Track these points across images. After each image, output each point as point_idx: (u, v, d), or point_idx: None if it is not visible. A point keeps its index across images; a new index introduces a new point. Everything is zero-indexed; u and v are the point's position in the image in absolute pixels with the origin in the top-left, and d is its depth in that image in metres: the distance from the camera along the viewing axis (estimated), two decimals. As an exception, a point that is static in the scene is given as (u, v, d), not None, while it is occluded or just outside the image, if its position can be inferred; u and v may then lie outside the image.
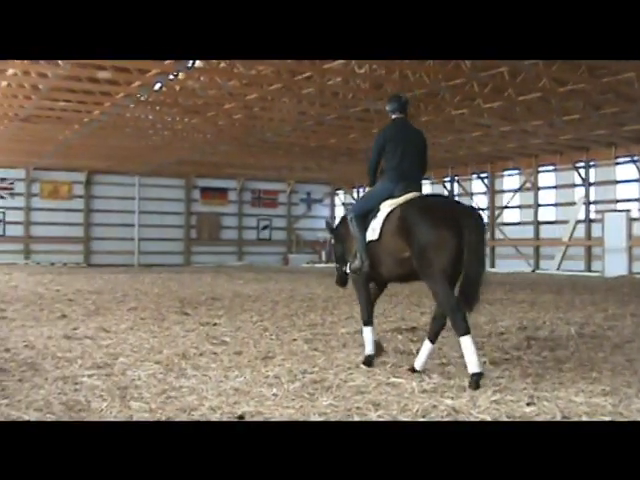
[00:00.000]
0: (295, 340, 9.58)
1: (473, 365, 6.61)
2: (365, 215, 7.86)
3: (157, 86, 22.64)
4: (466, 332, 6.69)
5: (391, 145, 7.85)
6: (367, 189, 8.44)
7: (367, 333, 7.91)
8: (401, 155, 7.78)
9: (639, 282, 25.37)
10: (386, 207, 7.59)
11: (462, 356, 8.14)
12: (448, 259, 6.82)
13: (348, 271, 8.11)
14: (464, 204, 7.47)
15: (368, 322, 7.95)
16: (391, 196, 7.66)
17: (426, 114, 26.86)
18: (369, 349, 7.84)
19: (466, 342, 6.70)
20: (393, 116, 8.08)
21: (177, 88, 24.10)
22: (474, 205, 37.77)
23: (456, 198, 41.05)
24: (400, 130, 7.95)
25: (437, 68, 21.25)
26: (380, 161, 8.06)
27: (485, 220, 6.78)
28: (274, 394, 6.12)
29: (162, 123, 30.04)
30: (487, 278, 7.35)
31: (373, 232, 7.63)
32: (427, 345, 7.37)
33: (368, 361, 7.71)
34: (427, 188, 43.51)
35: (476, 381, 6.50)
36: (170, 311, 13.41)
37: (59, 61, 19.47)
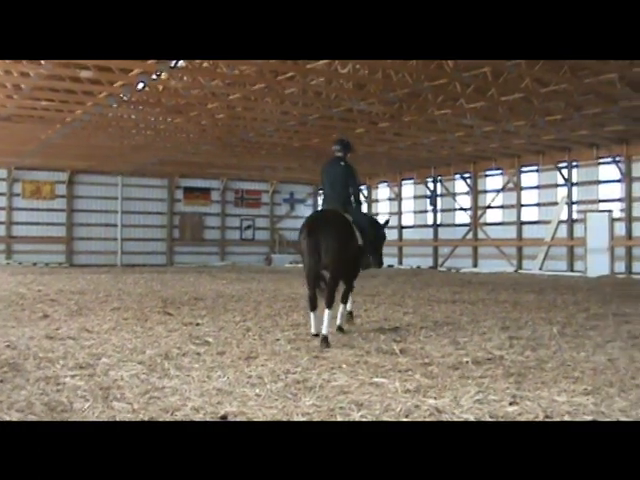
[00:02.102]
0: (278, 340, 9.58)
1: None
2: None
3: (140, 86, 22.57)
4: (311, 310, 10.03)
5: (324, 176, 10.93)
6: None
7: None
8: (327, 184, 10.84)
9: (621, 282, 25.52)
10: None
11: (444, 356, 8.25)
12: (306, 256, 9.89)
13: None
14: (322, 217, 10.31)
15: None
16: None
17: (409, 114, 26.92)
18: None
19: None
20: (336, 154, 10.96)
21: (160, 88, 24.05)
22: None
23: (438, 199, 41.21)
24: (331, 166, 10.90)
25: (420, 68, 21.25)
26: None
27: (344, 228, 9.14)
28: (257, 394, 6.11)
29: (145, 123, 29.93)
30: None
31: None
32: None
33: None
34: (410, 188, 43.65)
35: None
36: (153, 311, 13.39)
37: (41, 60, 19.37)
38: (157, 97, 25.21)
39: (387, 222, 12.14)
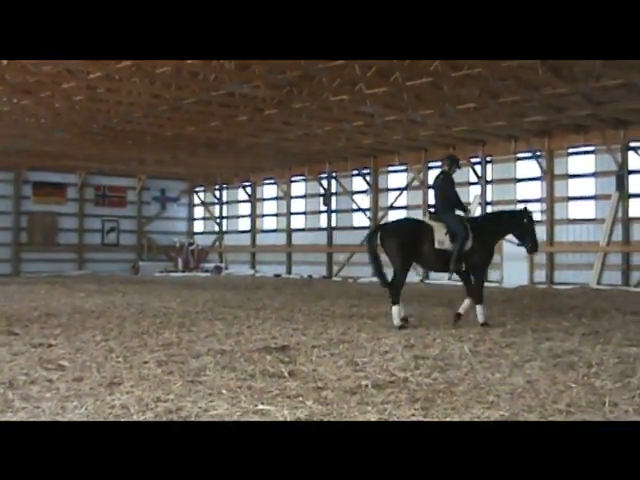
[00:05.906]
0: (146, 363, 9.51)
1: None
2: None
3: (-21, 60, 22.04)
4: (393, 303, 14.14)
5: (432, 190, 15.65)
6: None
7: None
8: (433, 195, 15.50)
9: (541, 293, 26.14)
10: None
11: (340, 379, 8.31)
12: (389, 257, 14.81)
13: None
14: (393, 223, 16.42)
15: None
16: None
17: (300, 100, 26.77)
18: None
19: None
20: (443, 168, 15.14)
21: (4, 62, 23.45)
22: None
23: (333, 198, 41.47)
24: (435, 179, 15.21)
25: (313, 47, 21.21)
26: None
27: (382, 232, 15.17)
28: (121, 427, 6.05)
29: (-16, 104, 29.22)
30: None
31: None
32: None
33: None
34: (301, 186, 43.76)
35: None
36: (-6, 330, 13.12)
37: None
38: (0, 73, 24.56)
39: (525, 209, 15.56)
